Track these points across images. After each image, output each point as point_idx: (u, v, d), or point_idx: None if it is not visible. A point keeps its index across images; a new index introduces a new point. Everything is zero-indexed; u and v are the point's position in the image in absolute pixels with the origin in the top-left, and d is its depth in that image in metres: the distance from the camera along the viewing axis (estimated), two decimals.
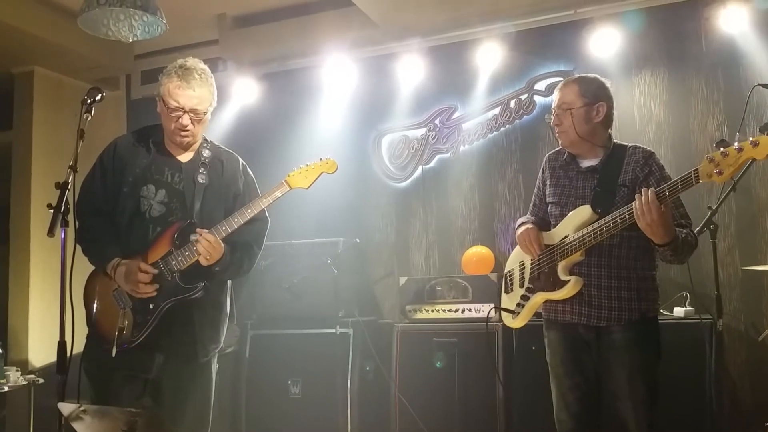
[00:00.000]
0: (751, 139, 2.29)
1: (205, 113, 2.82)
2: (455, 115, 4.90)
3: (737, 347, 4.07)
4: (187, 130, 2.79)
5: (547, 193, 3.01)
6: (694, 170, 2.41)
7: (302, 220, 4.86)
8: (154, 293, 2.68)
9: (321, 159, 2.89)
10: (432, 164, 4.96)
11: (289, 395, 4.45)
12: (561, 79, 4.55)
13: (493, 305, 3.12)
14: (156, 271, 2.69)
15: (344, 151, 4.78)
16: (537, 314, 2.99)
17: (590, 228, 2.69)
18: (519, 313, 2.95)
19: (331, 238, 4.62)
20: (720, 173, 2.34)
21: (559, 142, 2.95)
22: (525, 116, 4.70)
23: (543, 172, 3.07)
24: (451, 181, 4.91)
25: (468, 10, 4.55)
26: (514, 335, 3.89)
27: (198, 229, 2.68)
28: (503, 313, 3.04)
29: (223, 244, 2.71)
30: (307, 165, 2.86)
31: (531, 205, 3.16)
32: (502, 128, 4.77)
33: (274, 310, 4.62)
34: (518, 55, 4.69)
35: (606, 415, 2.83)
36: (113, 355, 2.64)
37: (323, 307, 4.48)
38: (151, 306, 2.69)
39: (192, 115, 2.77)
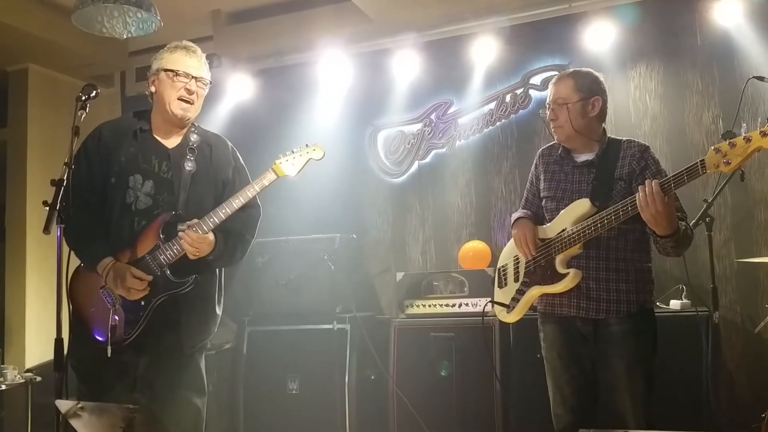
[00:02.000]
0: (759, 129, 2.29)
1: (207, 84, 2.84)
2: (451, 110, 4.90)
3: (733, 339, 4.08)
4: (192, 101, 2.78)
5: (541, 188, 3.00)
6: (699, 161, 2.40)
7: (298, 216, 4.86)
8: (146, 292, 2.65)
9: (307, 145, 2.87)
10: (428, 159, 4.96)
11: (286, 391, 4.45)
12: (556, 73, 4.56)
13: (489, 300, 3.10)
14: (150, 277, 2.65)
15: (340, 146, 4.79)
16: (531, 308, 2.98)
17: (590, 220, 2.69)
18: (514, 307, 2.95)
19: (328, 234, 4.61)
20: (728, 163, 2.33)
21: (555, 137, 2.95)
22: (521, 110, 4.70)
23: (536, 167, 3.07)
24: (447, 176, 4.91)
25: (463, 5, 4.55)
26: (511, 329, 3.90)
27: (187, 223, 2.66)
28: (497, 308, 3.04)
29: (212, 235, 2.69)
30: (293, 152, 2.84)
31: (523, 200, 3.15)
32: (498, 123, 4.77)
33: (271, 306, 4.61)
34: (513, 49, 4.68)
35: (602, 409, 2.83)
36: (109, 354, 2.59)
37: (320, 303, 4.48)
38: (142, 302, 2.66)
39: (197, 82, 2.79)
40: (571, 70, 3.02)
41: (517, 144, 4.73)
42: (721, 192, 3.62)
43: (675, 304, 3.81)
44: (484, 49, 4.67)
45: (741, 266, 4.07)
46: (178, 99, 2.77)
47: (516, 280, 2.97)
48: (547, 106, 2.92)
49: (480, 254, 4.56)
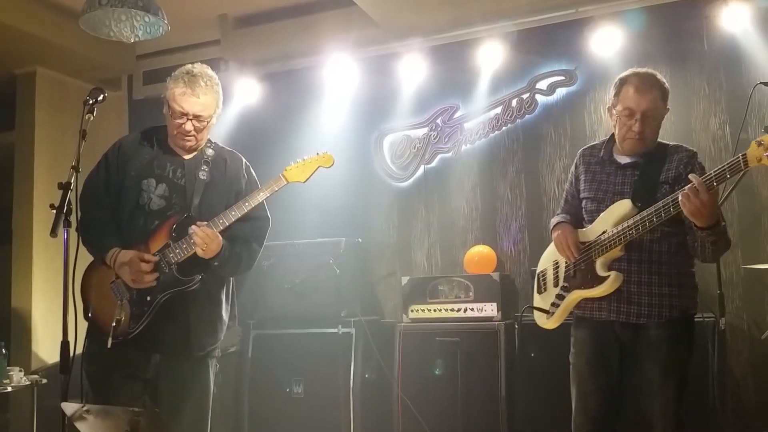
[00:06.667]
0: None
1: (209, 120, 2.86)
2: (457, 115, 4.89)
3: (740, 346, 4.06)
4: (190, 136, 2.83)
5: (581, 188, 2.94)
6: (741, 155, 2.34)
7: (304, 220, 4.87)
8: (154, 283, 2.70)
9: (318, 153, 2.91)
10: (434, 164, 4.96)
11: (291, 395, 4.45)
12: (563, 78, 4.60)
13: (528, 305, 3.04)
14: (157, 258, 2.71)
15: (346, 151, 4.78)
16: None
17: (630, 221, 2.63)
18: (554, 312, 2.90)
19: (333, 238, 4.61)
20: None
21: (621, 148, 2.82)
22: (527, 115, 4.70)
23: (576, 167, 3.00)
24: (452, 181, 4.91)
25: (469, 10, 4.55)
26: (516, 335, 3.88)
27: (197, 222, 2.71)
28: (537, 314, 2.98)
29: (221, 238, 2.73)
30: (303, 159, 2.89)
31: (563, 201, 3.10)
32: (504, 127, 4.77)
33: (277, 310, 4.62)
34: (520, 54, 4.68)
35: (628, 416, 2.78)
36: (109, 346, 2.64)
37: (325, 306, 4.48)
38: (148, 298, 2.70)
39: (195, 122, 2.81)
40: (651, 76, 2.81)
41: (523, 149, 4.72)
42: (728, 198, 3.60)
43: None
44: (491, 54, 4.67)
45: (747, 272, 4.05)
46: (178, 133, 2.83)
47: (556, 284, 2.92)
48: (631, 115, 2.73)
49: (485, 259, 4.55)
